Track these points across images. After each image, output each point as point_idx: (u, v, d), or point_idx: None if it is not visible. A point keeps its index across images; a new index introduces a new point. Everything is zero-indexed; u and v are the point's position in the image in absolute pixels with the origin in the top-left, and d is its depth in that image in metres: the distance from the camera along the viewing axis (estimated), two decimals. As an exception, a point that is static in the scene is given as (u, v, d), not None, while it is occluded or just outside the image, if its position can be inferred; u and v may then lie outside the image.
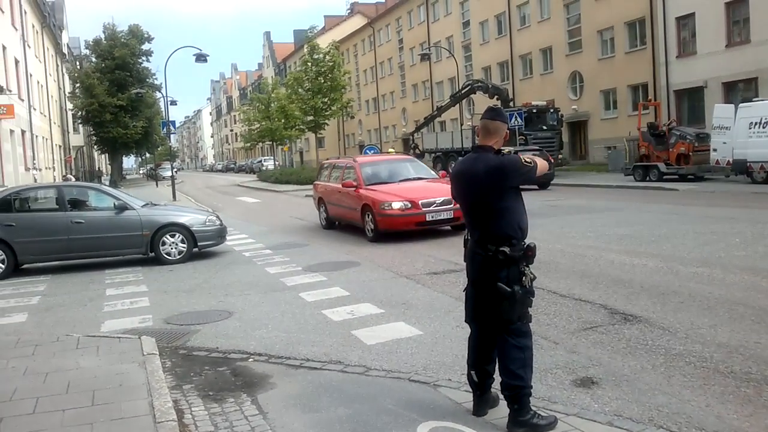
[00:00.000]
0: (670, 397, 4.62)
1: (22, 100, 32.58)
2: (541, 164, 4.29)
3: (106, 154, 67.37)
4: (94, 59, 55.29)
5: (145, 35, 55.74)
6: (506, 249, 4.07)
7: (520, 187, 4.27)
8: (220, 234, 13.13)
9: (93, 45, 55.19)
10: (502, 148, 4.31)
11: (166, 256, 12.28)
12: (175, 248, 12.36)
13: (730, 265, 8.72)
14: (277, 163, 67.58)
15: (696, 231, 11.92)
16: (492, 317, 4.21)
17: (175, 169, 62.66)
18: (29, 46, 36.73)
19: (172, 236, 12.38)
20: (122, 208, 12.35)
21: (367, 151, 30.72)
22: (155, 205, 13.73)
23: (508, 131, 4.37)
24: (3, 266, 11.64)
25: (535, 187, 27.64)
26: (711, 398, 4.56)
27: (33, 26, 39.83)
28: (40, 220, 12.24)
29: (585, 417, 4.31)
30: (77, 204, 12.55)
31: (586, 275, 8.70)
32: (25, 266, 12.38)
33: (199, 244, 12.60)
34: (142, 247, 12.38)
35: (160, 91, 53.91)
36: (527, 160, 4.15)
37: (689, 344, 5.68)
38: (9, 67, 30.22)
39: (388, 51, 66.40)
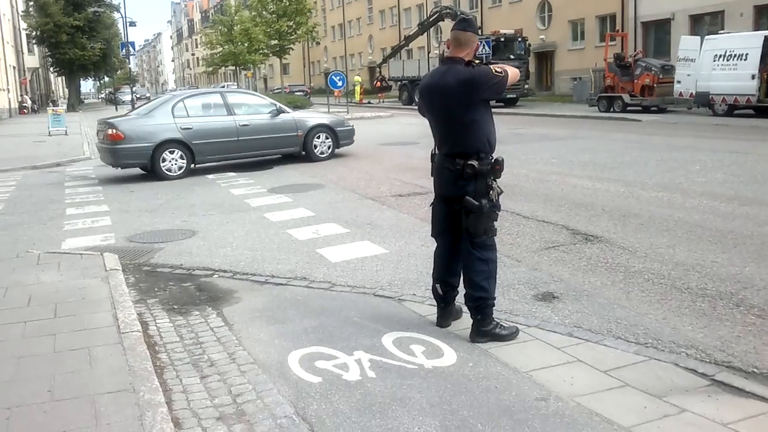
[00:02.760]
0: (629, 311, 4.74)
1: (-28, 17, 31.19)
2: (512, 72, 4.22)
3: (63, 77, 65.32)
4: (47, -24, 52.84)
5: (103, -49, 53.35)
6: (474, 163, 4.05)
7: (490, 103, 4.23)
8: (353, 134, 14.93)
9: (47, -40, 52.65)
10: (472, 60, 4.22)
11: (318, 154, 13.99)
12: (325, 146, 14.07)
13: (689, 191, 8.89)
14: (240, 88, 66.27)
15: (658, 159, 12.08)
16: (458, 231, 4.24)
17: (139, 95, 61.27)
18: (-22, -40, 34.97)
19: (318, 137, 14.02)
20: (279, 111, 13.77)
21: (333, 77, 30.18)
22: (298, 107, 15.74)
23: (478, 44, 4.29)
24: (184, 166, 12.62)
25: (502, 104, 27.70)
26: (668, 312, 4.70)
27: (-19, -62, 37.83)
28: (212, 123, 13.04)
29: (545, 328, 4.41)
30: (239, 108, 13.54)
31: (548, 199, 8.79)
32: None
33: (340, 142, 14.36)
34: (297, 146, 14.01)
35: (118, 11, 52.22)
36: (498, 69, 4.09)
37: (648, 263, 5.82)
38: (-43, -20, 28.78)
39: (354, -25, 64.76)
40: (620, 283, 5.34)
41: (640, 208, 7.99)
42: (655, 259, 5.89)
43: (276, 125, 13.58)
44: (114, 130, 12.24)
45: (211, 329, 4.71)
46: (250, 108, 13.70)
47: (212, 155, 13.10)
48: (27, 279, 5.81)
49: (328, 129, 14.28)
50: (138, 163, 12.73)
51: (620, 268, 5.72)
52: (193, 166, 12.89)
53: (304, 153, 14.03)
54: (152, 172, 12.51)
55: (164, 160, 12.42)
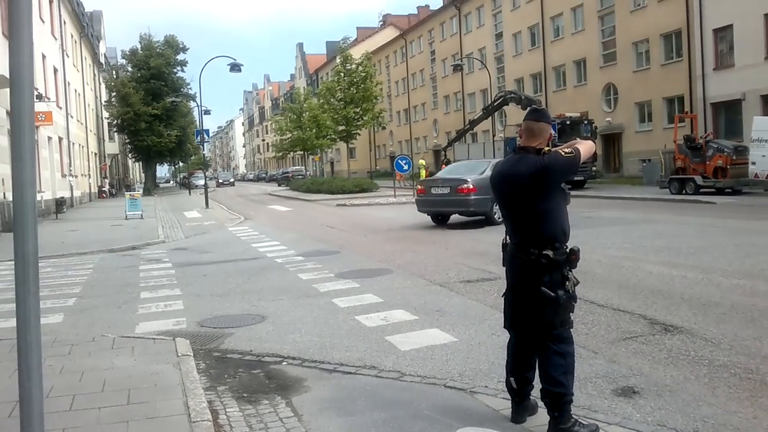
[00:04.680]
0: (716, 408, 4.47)
1: (60, 108, 33.18)
2: (585, 147, 4.16)
3: (140, 162, 68.26)
4: (130, 69, 56.09)
5: (181, 45, 56.44)
6: (549, 252, 3.97)
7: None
8: None
9: (129, 55, 56.02)
10: (543, 148, 4.18)
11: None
12: None
13: (773, 278, 8.50)
14: (307, 172, 67.86)
15: (736, 243, 11.66)
16: (532, 323, 4.11)
17: (222, 179, 63.51)
18: (68, 56, 37.45)
19: None
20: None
21: (399, 161, 30.65)
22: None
23: (551, 133, 4.27)
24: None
25: (570, 186, 27.48)
26: (759, 410, 4.41)
27: (72, 36, 40.61)
28: None
29: (627, 426, 4.19)
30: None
31: (624, 286, 8.54)
32: (60, 269, 12.54)
33: None
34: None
35: (194, 101, 54.66)
36: (566, 150, 4.05)
37: (733, 355, 5.52)
38: (48, 75, 30.81)
39: (419, 62, 66.55)
40: (704, 378, 5.06)
41: (721, 296, 7.66)
42: (740, 352, 5.59)
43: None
44: (469, 185, 16.08)
45: (281, 420, 4.65)
46: None
47: None
48: (102, 363, 5.90)
49: None
50: (482, 211, 16.32)
51: (704, 361, 5.44)
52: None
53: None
54: (486, 219, 16.37)
55: (493, 209, 15.52)
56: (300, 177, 62.98)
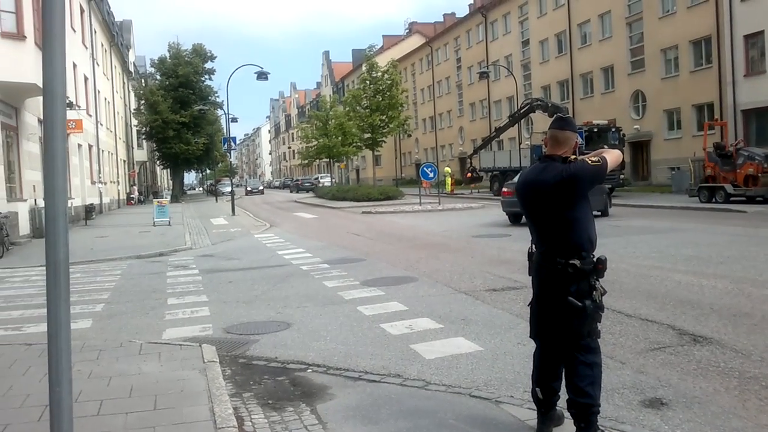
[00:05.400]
0: (746, 422, 4.40)
1: (90, 116, 33.68)
2: (612, 156, 4.13)
3: (168, 170, 69.00)
4: (158, 77, 56.80)
5: (208, 54, 57.03)
6: (576, 262, 3.94)
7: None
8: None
9: (158, 63, 56.72)
10: (569, 156, 4.16)
11: None
12: None
13: (805, 289, 8.35)
14: (333, 180, 68.11)
15: (767, 253, 11.47)
16: (559, 332, 4.08)
17: (251, 187, 64.11)
18: (98, 64, 38.03)
19: None
20: None
21: (425, 168, 30.63)
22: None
23: (577, 141, 4.24)
24: None
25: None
26: (791, 424, 4.33)
27: (102, 45, 41.24)
28: None
29: (656, 439, 4.14)
30: None
31: (652, 295, 8.44)
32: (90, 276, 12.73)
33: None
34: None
35: (221, 109, 55.11)
36: (593, 159, 4.03)
37: (764, 368, 5.43)
38: (78, 83, 31.30)
39: (445, 70, 66.53)
40: (734, 390, 4.98)
41: (751, 306, 7.54)
42: (772, 364, 5.50)
43: None
44: None
45: (305, 427, 4.65)
46: None
47: None
48: (129, 369, 5.97)
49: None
50: None
51: (734, 372, 5.36)
52: None
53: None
54: None
55: None
56: (308, 184, 64.55)
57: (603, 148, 4.36)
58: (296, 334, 7.48)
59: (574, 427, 4.06)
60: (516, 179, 17.74)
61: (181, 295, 10.43)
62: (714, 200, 24.02)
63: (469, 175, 44.18)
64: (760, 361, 5.61)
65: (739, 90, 31.17)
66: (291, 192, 66.76)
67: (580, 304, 3.90)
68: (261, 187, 72.69)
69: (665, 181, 34.22)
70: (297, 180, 76.64)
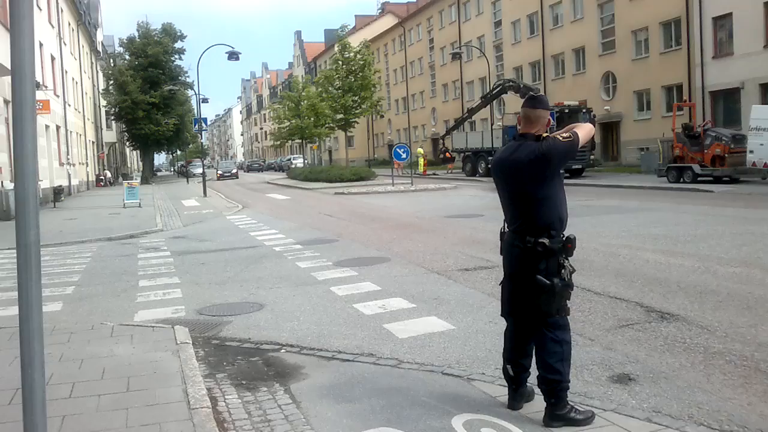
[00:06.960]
0: (710, 395, 4.52)
1: (58, 96, 33.12)
2: (584, 130, 4.18)
3: (138, 151, 68.13)
4: (127, 57, 55.85)
5: (178, 33, 56.25)
6: (545, 240, 4.00)
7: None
8: None
9: (127, 43, 55.79)
10: (542, 134, 4.18)
11: None
12: None
13: (769, 266, 8.55)
14: (306, 161, 67.79)
15: (733, 232, 11.71)
16: (529, 310, 4.14)
17: (222, 171, 63.62)
18: (65, 44, 37.31)
19: None
20: None
21: (398, 149, 30.65)
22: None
23: (550, 119, 4.27)
24: None
25: (567, 174, 27.62)
26: (753, 396, 4.46)
27: (69, 24, 40.44)
28: None
29: (623, 413, 4.24)
30: None
31: (620, 274, 8.58)
32: (58, 258, 12.61)
33: None
34: None
35: (192, 89, 54.39)
36: (564, 135, 4.07)
37: (729, 343, 5.57)
38: (45, 63, 30.70)
39: (418, 50, 66.35)
40: (700, 365, 5.11)
41: (717, 284, 7.71)
42: (736, 339, 5.64)
43: None
44: None
45: (279, 407, 4.69)
46: None
47: None
48: (101, 351, 5.94)
49: None
50: None
51: (699, 348, 5.49)
52: None
53: None
54: None
55: None
56: (257, 166, 65.33)
57: (574, 124, 4.40)
58: (269, 315, 7.49)
59: (545, 403, 4.15)
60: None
61: (152, 277, 10.37)
62: (682, 180, 24.39)
63: (447, 155, 44.23)
64: (724, 336, 5.75)
65: (707, 71, 31.56)
66: (247, 172, 66.38)
67: (548, 282, 3.96)
68: (234, 170, 68.88)
69: (635, 162, 34.63)
70: (254, 162, 76.55)
